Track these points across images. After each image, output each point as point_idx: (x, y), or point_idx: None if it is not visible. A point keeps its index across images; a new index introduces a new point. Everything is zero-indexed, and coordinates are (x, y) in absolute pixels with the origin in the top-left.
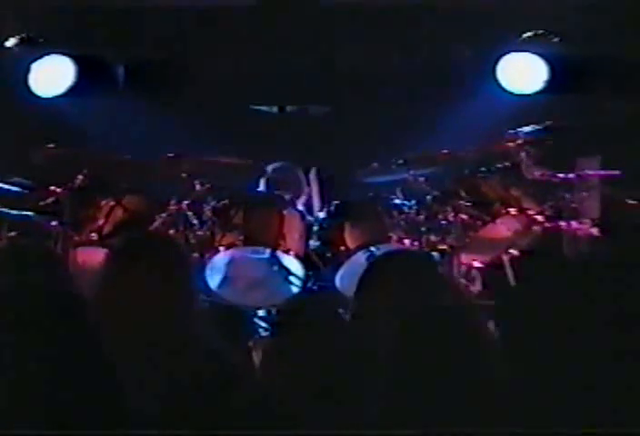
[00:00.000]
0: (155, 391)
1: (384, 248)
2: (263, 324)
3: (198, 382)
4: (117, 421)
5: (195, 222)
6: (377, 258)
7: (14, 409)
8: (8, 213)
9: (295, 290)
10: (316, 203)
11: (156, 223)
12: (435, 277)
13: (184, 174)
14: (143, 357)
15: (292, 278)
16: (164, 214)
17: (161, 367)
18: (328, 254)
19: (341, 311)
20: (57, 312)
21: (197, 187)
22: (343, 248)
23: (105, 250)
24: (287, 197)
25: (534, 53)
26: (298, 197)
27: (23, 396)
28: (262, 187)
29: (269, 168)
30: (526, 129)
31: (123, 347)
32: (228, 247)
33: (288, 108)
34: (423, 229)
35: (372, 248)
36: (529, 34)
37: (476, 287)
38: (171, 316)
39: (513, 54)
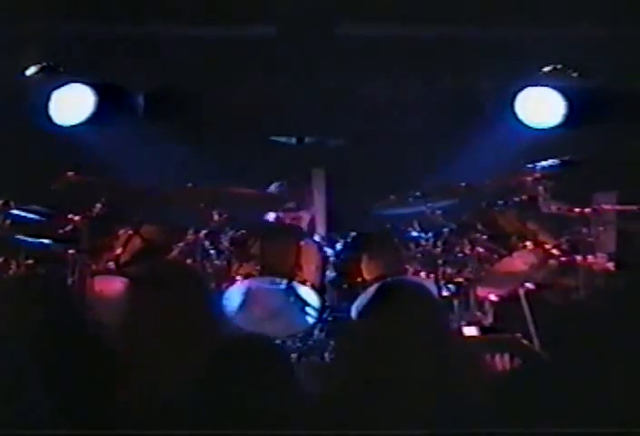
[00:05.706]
0: (176, 419)
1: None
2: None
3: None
4: None
5: (213, 251)
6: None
7: None
8: (26, 241)
9: (311, 320)
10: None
11: (174, 253)
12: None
13: (202, 204)
14: (163, 384)
15: (308, 309)
16: (181, 244)
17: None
18: (345, 285)
19: None
20: (73, 340)
21: (215, 217)
22: (359, 279)
23: (122, 279)
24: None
25: (552, 87)
26: (305, 208)
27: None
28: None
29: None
30: (544, 163)
31: (142, 374)
32: (245, 277)
33: (306, 139)
34: (439, 261)
35: (388, 279)
36: (548, 68)
37: (488, 320)
38: (192, 345)
39: (531, 87)
